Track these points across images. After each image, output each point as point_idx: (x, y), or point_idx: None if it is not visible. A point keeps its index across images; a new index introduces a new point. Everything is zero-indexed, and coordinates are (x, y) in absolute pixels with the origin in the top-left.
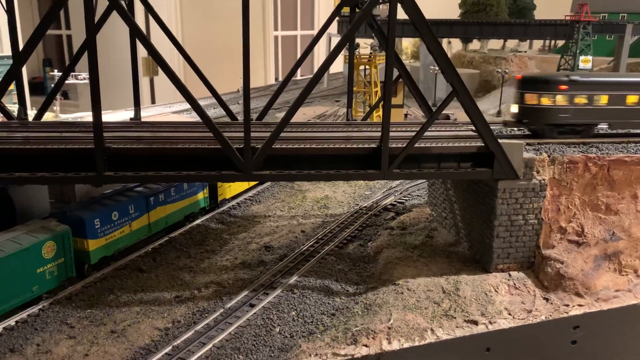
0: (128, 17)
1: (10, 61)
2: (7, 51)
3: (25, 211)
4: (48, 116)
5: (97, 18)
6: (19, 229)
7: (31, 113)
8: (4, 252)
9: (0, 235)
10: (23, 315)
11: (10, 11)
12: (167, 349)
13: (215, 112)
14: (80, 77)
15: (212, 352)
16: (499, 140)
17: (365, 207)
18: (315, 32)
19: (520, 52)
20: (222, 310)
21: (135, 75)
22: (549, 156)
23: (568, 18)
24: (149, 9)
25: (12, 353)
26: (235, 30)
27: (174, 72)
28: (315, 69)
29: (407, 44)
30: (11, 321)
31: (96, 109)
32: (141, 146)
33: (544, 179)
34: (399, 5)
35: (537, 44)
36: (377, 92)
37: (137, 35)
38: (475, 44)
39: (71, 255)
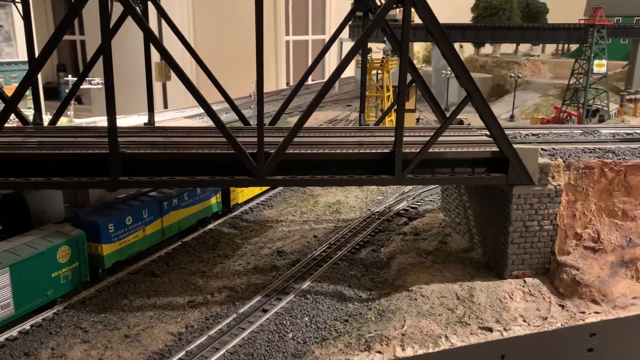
0: (143, 22)
1: (25, 66)
2: (22, 56)
3: (39, 215)
4: (62, 121)
5: (111, 23)
6: (34, 233)
7: (45, 118)
8: (20, 256)
9: (16, 239)
10: (38, 319)
11: (26, 17)
12: (181, 354)
13: (227, 117)
14: (93, 82)
15: (226, 357)
16: (514, 145)
17: (377, 212)
18: (326, 36)
19: (533, 56)
20: (235, 315)
21: (149, 81)
22: (564, 161)
23: (582, 22)
24: (163, 15)
25: (27, 357)
26: (247, 35)
27: (188, 77)
28: (327, 74)
29: (418, 48)
30: (26, 325)
31: (111, 114)
32: (155, 151)
33: (559, 185)
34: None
35: (550, 47)
36: (389, 96)
37: (151, 40)
38: (487, 48)
39: (85, 260)
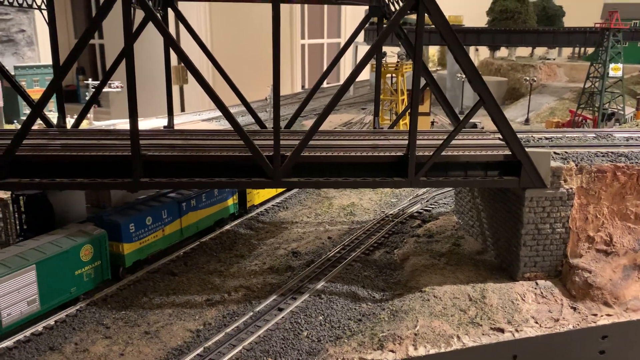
0: (163, 28)
1: (47, 70)
2: (44, 60)
3: (63, 215)
4: (82, 123)
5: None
6: (58, 232)
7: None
8: (46, 254)
9: (42, 238)
10: (62, 315)
11: (51, 23)
12: (199, 350)
13: (243, 120)
14: (113, 85)
15: (242, 354)
16: (526, 149)
17: (391, 214)
18: (341, 40)
19: (549, 59)
20: (251, 313)
21: (169, 84)
22: (576, 165)
23: (598, 25)
24: (183, 21)
25: (52, 351)
26: (263, 40)
27: (206, 80)
28: (342, 77)
29: (433, 52)
30: (51, 321)
31: (133, 117)
32: (175, 153)
33: (571, 188)
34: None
35: (567, 51)
36: (403, 100)
37: (171, 45)
38: (503, 52)
39: (107, 259)
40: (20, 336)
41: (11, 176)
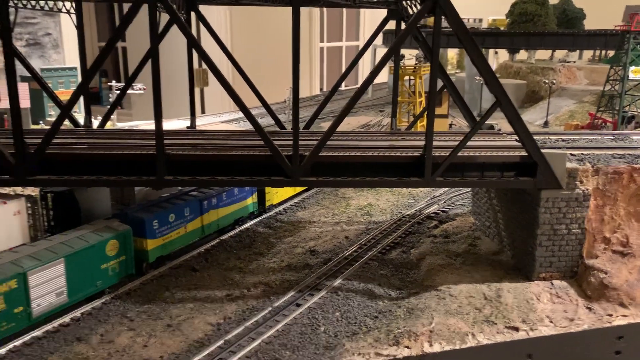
0: (188, 31)
1: (71, 72)
2: (69, 62)
3: (88, 212)
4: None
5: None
6: (85, 228)
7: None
8: (73, 248)
9: (69, 233)
10: (87, 307)
11: (79, 27)
12: (219, 343)
13: (262, 121)
14: (135, 87)
15: (261, 347)
16: (542, 150)
17: (408, 215)
18: (360, 43)
19: (568, 62)
20: (270, 308)
21: (192, 86)
22: (592, 166)
23: (618, 28)
24: (206, 24)
25: (79, 342)
26: (282, 42)
27: (229, 82)
28: (360, 80)
29: (452, 54)
30: (77, 313)
31: (158, 118)
32: (197, 153)
33: (587, 189)
34: None
35: (587, 54)
36: (421, 102)
37: (195, 48)
38: (522, 54)
39: (132, 254)
40: (49, 327)
41: (41, 173)
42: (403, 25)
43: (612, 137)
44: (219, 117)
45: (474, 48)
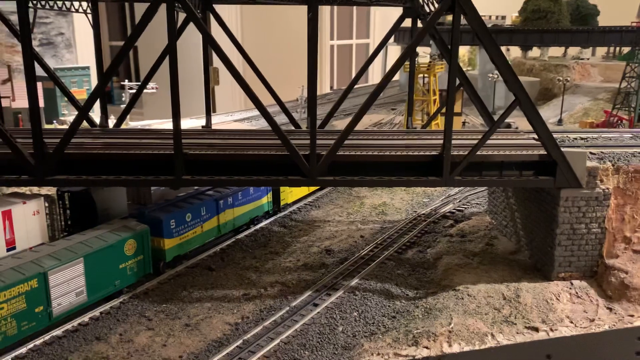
0: (204, 29)
1: (84, 72)
2: (81, 62)
3: (105, 212)
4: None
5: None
6: (103, 228)
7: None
8: (92, 247)
9: (88, 232)
10: (106, 307)
11: (96, 26)
12: (238, 343)
13: (276, 120)
14: (148, 87)
15: (280, 347)
16: (562, 149)
17: (423, 214)
18: (370, 40)
19: (582, 59)
20: (287, 308)
21: (207, 85)
22: (613, 165)
23: (634, 24)
24: (221, 23)
25: (98, 341)
26: (293, 41)
27: (245, 81)
28: (370, 78)
29: (463, 52)
30: (96, 312)
31: (176, 117)
32: (215, 152)
33: (607, 188)
34: None
35: (601, 50)
36: (435, 100)
37: (212, 46)
38: (535, 51)
39: (149, 253)
40: (68, 326)
41: (59, 173)
42: (419, 23)
43: (631, 136)
44: (231, 115)
45: (493, 45)
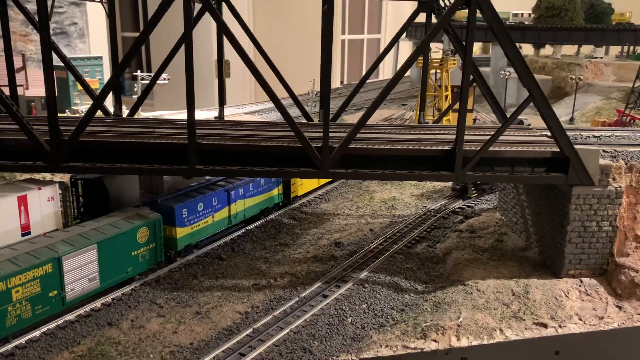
0: (221, 20)
1: (97, 62)
2: (94, 52)
3: (117, 200)
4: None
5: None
6: (116, 215)
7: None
8: (106, 234)
9: (101, 219)
10: (118, 293)
11: (111, 15)
12: (248, 331)
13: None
14: (160, 78)
15: (290, 336)
16: (575, 146)
17: (433, 209)
18: (381, 35)
19: (595, 58)
20: (297, 298)
21: (220, 76)
22: (626, 163)
23: None
24: (236, 14)
25: (110, 326)
26: (304, 34)
27: (261, 73)
28: (380, 73)
29: (475, 48)
30: (108, 298)
31: (190, 108)
32: (228, 143)
33: (620, 186)
34: None
35: (614, 49)
36: (447, 96)
37: (227, 37)
38: (547, 49)
39: (161, 241)
40: (81, 311)
41: (73, 160)
42: (433, 18)
43: None
44: (241, 108)
45: (509, 42)
